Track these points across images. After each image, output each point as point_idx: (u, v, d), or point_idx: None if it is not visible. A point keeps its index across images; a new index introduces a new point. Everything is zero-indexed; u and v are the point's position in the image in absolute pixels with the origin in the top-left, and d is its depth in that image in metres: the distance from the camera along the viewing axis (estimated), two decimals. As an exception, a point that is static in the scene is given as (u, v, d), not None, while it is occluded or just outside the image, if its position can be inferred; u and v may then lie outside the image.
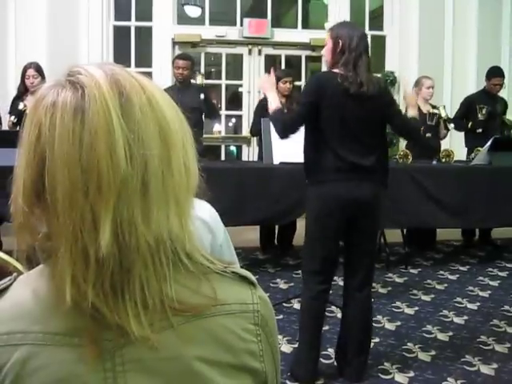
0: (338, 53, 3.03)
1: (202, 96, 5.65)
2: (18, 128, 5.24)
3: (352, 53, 2.98)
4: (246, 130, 7.99)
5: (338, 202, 3.01)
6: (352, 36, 3.01)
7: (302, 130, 3.14)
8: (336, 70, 3.01)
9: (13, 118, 5.44)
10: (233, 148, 8.86)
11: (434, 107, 5.91)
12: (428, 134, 5.59)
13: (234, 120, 9.56)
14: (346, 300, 3.26)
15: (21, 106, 5.39)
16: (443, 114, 5.75)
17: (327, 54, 3.13)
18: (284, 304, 4.31)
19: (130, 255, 0.70)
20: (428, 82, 5.92)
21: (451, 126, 5.80)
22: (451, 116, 6.29)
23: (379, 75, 8.13)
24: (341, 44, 3.02)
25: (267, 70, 7.86)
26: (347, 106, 2.96)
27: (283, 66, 7.90)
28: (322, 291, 3.14)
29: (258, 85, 3.38)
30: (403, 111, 3.53)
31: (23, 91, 5.58)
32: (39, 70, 5.58)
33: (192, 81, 6.06)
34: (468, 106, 6.26)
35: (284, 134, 3.17)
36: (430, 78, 5.98)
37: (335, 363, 3.35)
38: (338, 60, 3.02)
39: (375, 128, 3.10)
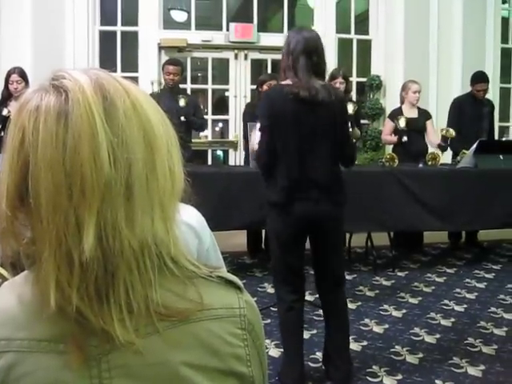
0: (282, 59, 3.00)
1: (183, 118, 5.57)
2: (1, 134, 5.21)
3: (289, 57, 2.92)
4: (232, 135, 7.99)
5: (294, 220, 2.98)
6: (290, 41, 2.95)
7: None
8: (284, 82, 2.96)
9: None
10: (219, 152, 8.86)
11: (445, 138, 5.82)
12: (404, 138, 5.62)
13: (220, 125, 9.57)
14: (322, 305, 3.29)
15: (4, 112, 5.35)
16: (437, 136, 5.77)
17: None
18: (271, 308, 4.30)
19: (113, 259, 0.70)
20: (414, 86, 5.96)
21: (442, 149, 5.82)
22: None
23: (365, 79, 8.19)
24: (284, 50, 2.98)
25: (253, 75, 7.90)
26: (300, 113, 2.88)
27: (269, 71, 7.91)
28: (295, 301, 3.12)
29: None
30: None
31: (7, 96, 5.53)
32: (23, 75, 5.53)
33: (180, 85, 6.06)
34: (458, 109, 6.29)
35: (264, 168, 3.09)
36: (416, 82, 6.01)
37: (323, 367, 3.35)
38: (283, 67, 2.98)
39: (330, 137, 2.97)
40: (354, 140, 3.96)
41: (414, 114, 5.96)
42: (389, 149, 6.85)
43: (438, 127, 6.10)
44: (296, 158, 2.93)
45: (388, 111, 7.81)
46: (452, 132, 5.59)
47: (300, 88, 2.85)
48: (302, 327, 3.22)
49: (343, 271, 3.31)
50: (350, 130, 3.26)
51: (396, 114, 5.97)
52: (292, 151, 2.93)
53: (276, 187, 2.99)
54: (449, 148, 6.14)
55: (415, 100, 5.97)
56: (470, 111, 6.21)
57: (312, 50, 2.92)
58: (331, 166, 3.01)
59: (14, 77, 5.49)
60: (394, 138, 5.79)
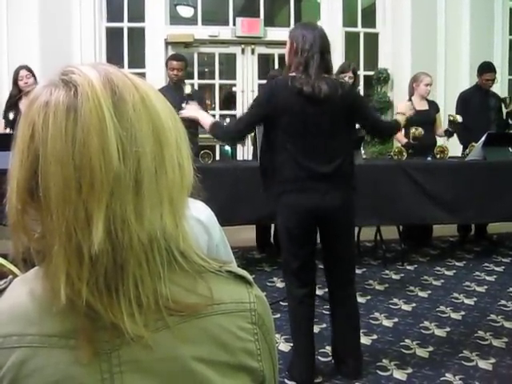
0: (293, 55, 2.98)
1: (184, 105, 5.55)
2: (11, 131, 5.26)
3: (304, 54, 2.91)
4: (240, 130, 7.97)
5: (303, 213, 2.98)
6: (305, 37, 2.93)
7: None
8: (291, 74, 2.95)
9: (8, 130, 5.41)
10: (227, 148, 8.84)
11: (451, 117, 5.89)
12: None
13: (228, 120, 9.55)
14: (330, 301, 3.28)
15: (11, 117, 5.40)
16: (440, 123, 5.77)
17: (286, 57, 3.08)
18: (281, 303, 4.31)
19: (123, 252, 0.70)
20: (427, 79, 5.90)
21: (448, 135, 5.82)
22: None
23: (373, 73, 8.15)
24: (294, 46, 2.96)
25: (260, 69, 7.88)
26: (303, 109, 2.90)
27: (276, 65, 7.90)
28: (304, 295, 3.11)
29: (185, 114, 3.30)
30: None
31: (16, 94, 5.56)
32: (31, 70, 5.60)
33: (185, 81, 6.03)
34: (465, 103, 6.26)
35: (228, 140, 3.30)
36: (428, 75, 5.96)
37: (332, 361, 3.35)
38: (292, 62, 2.98)
39: (337, 131, 3.00)
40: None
41: (424, 106, 5.92)
42: (397, 142, 6.84)
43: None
44: (301, 151, 2.94)
45: (396, 104, 7.78)
46: (458, 117, 5.60)
47: (304, 84, 2.87)
48: (313, 322, 3.22)
49: (354, 266, 3.31)
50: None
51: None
52: (297, 144, 2.94)
53: (280, 178, 3.00)
54: (457, 139, 6.13)
55: (426, 93, 5.92)
56: (476, 103, 6.18)
57: (326, 49, 2.96)
58: (340, 158, 3.00)
59: (23, 72, 5.56)
60: (403, 138, 5.74)
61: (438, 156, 5.49)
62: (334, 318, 3.26)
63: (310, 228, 3.04)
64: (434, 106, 5.99)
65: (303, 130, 2.93)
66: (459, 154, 6.16)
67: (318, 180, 2.94)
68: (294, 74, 2.94)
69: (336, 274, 3.17)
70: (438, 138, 6.01)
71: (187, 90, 5.55)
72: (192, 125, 5.37)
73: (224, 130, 3.22)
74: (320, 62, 2.91)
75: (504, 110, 6.30)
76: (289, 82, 2.90)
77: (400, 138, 5.79)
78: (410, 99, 5.98)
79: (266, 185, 3.12)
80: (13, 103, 5.54)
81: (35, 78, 5.56)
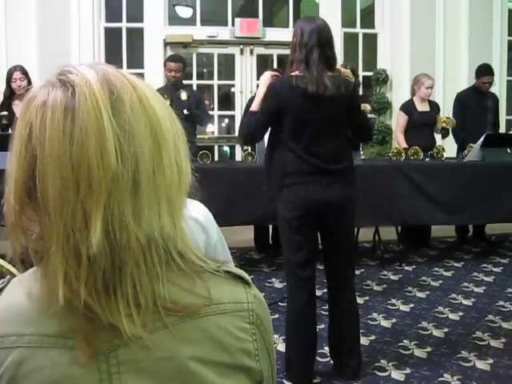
0: (293, 51, 2.93)
1: (186, 111, 5.55)
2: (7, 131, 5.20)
3: (303, 49, 2.86)
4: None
5: (306, 206, 2.95)
6: (303, 31, 2.87)
7: None
8: (293, 73, 2.90)
9: None
10: (226, 148, 8.85)
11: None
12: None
13: (226, 120, 9.56)
14: (330, 301, 3.25)
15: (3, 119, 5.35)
16: (439, 125, 5.77)
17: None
18: (279, 303, 4.31)
19: (121, 253, 0.70)
20: (428, 82, 5.89)
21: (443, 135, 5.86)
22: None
23: (371, 73, 8.16)
24: (294, 41, 2.92)
25: (259, 70, 7.88)
26: (307, 107, 2.86)
27: (275, 66, 7.89)
28: (307, 294, 3.07)
29: (263, 77, 3.20)
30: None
31: (8, 95, 5.47)
32: (25, 72, 5.49)
33: (184, 81, 6.03)
34: (462, 104, 6.26)
35: (248, 140, 3.26)
36: (430, 77, 5.94)
37: (331, 361, 3.35)
38: (294, 59, 2.92)
39: (339, 128, 3.01)
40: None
41: (426, 107, 5.91)
42: (395, 143, 6.84)
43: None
44: (305, 149, 2.92)
45: (394, 105, 7.80)
46: (452, 121, 5.65)
47: (308, 83, 2.82)
48: (315, 322, 3.18)
49: (353, 261, 3.29)
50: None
51: (408, 106, 5.93)
52: (301, 143, 2.92)
53: (284, 172, 2.97)
54: (453, 140, 6.13)
55: (427, 96, 5.91)
56: (473, 104, 6.18)
57: (326, 43, 2.89)
58: (342, 155, 3.01)
59: (17, 74, 5.43)
60: (404, 144, 5.74)
61: (435, 156, 5.48)
62: (333, 316, 3.23)
63: (312, 220, 3.00)
64: (435, 108, 5.98)
65: (307, 129, 2.91)
66: (455, 155, 6.15)
67: (319, 174, 2.93)
68: (297, 72, 2.89)
69: (336, 268, 3.14)
70: (436, 139, 6.00)
71: (183, 96, 5.55)
72: (188, 124, 5.38)
73: (246, 132, 3.14)
74: (320, 57, 2.84)
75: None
76: (293, 81, 2.85)
77: (401, 142, 5.78)
78: (412, 99, 5.99)
79: (270, 182, 3.09)
80: (5, 104, 5.46)
81: (29, 80, 5.43)
